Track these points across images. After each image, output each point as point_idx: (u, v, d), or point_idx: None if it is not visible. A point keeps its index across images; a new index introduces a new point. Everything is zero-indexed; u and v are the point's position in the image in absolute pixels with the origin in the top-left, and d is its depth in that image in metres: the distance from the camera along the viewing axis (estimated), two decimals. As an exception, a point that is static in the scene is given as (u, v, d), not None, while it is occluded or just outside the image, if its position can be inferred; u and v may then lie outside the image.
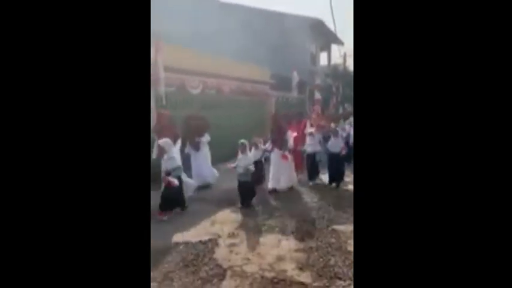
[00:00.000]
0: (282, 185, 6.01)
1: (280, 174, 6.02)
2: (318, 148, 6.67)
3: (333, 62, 19.22)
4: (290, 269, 3.13)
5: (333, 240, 3.78)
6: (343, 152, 6.28)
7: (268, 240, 3.84)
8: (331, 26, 15.43)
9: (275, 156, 6.11)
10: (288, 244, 3.71)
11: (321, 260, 3.31)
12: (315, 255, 3.42)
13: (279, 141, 6.08)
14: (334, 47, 18.80)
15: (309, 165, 6.70)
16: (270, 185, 6.04)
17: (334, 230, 4.06)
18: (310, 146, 6.58)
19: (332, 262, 3.25)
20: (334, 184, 6.39)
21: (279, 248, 3.61)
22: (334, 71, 16.49)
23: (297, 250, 3.55)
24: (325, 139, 6.88)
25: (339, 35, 11.74)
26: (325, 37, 16.88)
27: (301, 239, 3.84)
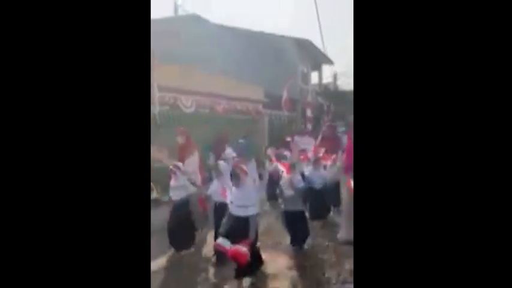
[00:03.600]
0: None
1: None
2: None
3: (324, 81, 19.60)
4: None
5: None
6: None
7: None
8: (320, 47, 15.84)
9: None
10: (282, 261, 3.68)
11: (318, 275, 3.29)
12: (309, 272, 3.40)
13: None
14: (325, 67, 19.24)
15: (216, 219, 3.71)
16: None
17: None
18: (215, 192, 3.88)
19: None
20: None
21: (274, 265, 3.55)
22: (325, 90, 16.80)
23: (291, 267, 3.53)
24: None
25: (329, 55, 12.09)
26: (315, 57, 17.28)
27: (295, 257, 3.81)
